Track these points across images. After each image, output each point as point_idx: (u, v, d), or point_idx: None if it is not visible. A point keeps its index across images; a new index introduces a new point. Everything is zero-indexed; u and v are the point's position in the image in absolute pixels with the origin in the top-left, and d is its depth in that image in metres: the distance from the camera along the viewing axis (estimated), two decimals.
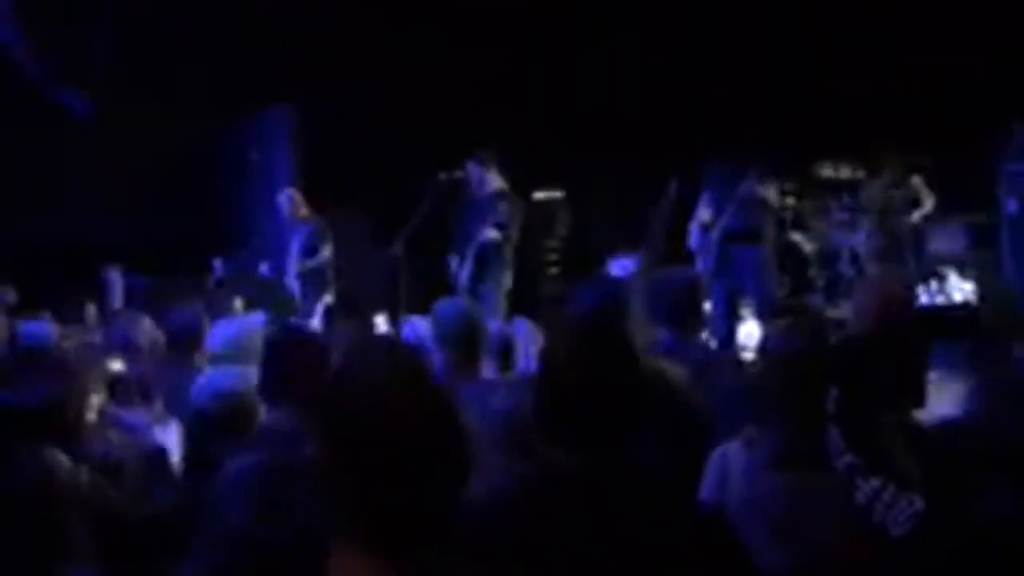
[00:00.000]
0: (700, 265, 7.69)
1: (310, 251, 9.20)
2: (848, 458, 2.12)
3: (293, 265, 9.26)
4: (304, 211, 9.30)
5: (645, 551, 1.98)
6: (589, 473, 2.09)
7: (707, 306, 6.39)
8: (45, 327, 5.02)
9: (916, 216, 9.39)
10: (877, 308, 2.22)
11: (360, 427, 1.57)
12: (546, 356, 2.30)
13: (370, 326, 8.62)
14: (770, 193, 7.70)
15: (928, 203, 9.39)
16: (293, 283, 9.21)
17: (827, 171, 11.09)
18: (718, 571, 2.05)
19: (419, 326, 4.49)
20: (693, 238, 7.97)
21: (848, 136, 10.23)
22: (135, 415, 3.79)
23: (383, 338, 4.19)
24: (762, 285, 7.57)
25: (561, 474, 2.12)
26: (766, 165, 7.66)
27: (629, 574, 1.97)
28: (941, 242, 10.11)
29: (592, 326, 2.49)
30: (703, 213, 7.83)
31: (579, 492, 2.07)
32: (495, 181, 8.23)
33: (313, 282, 9.14)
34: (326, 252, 9.15)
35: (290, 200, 9.35)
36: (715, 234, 7.57)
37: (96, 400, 3.39)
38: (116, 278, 6.84)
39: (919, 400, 2.67)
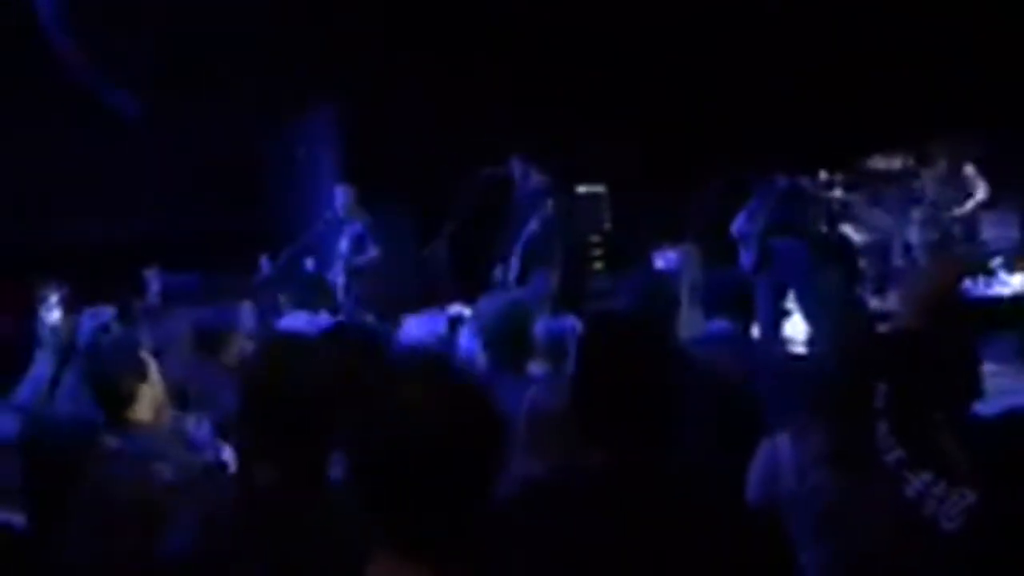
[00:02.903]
0: (744, 257, 7.64)
1: (359, 248, 9.24)
2: (897, 453, 2.08)
3: (340, 262, 9.32)
4: (356, 208, 9.34)
5: (680, 552, 1.95)
6: (625, 472, 2.07)
7: None
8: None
9: (969, 205, 9.24)
10: (925, 301, 2.17)
11: (388, 430, 1.56)
12: (584, 353, 2.27)
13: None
14: (812, 185, 7.64)
15: (981, 192, 9.24)
16: (338, 279, 9.25)
17: (878, 162, 10.95)
18: (756, 572, 2.01)
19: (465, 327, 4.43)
20: (738, 224, 7.91)
21: (899, 126, 10.10)
22: (199, 429, 3.78)
23: (415, 345, 4.12)
24: (805, 280, 7.50)
25: (597, 473, 2.10)
26: (809, 158, 7.60)
27: (664, 574, 1.95)
28: (995, 231, 9.94)
29: (630, 322, 2.46)
30: (753, 202, 7.78)
31: (615, 491, 2.05)
32: (538, 177, 8.22)
33: (359, 279, 9.18)
34: (374, 250, 9.19)
35: (346, 195, 9.39)
36: (756, 227, 7.51)
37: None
38: (154, 277, 6.90)
39: (976, 392, 2.61)
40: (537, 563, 1.98)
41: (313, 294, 8.91)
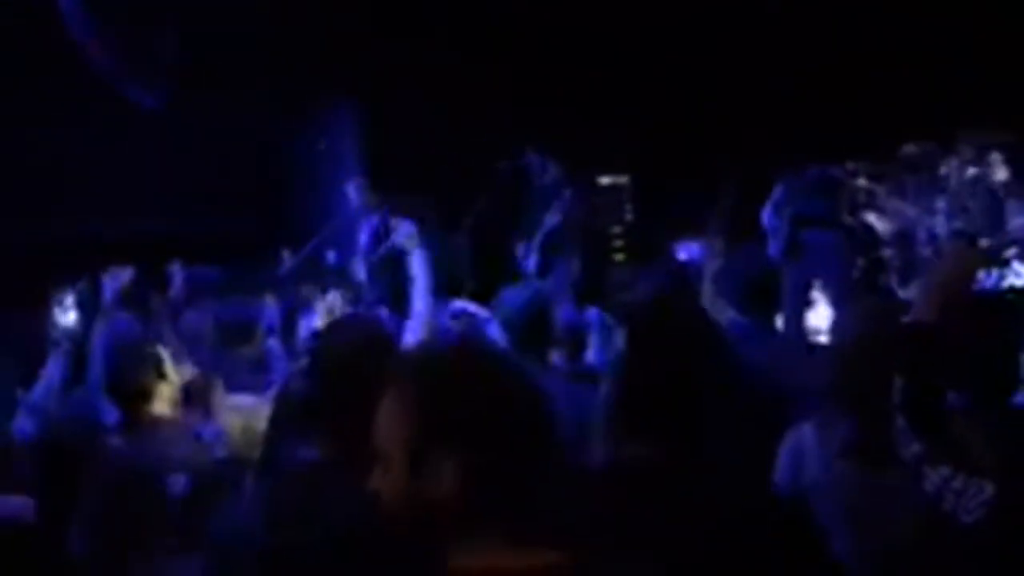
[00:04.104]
0: (771, 247, 7.61)
1: (379, 241, 9.26)
2: (916, 447, 2.06)
3: (361, 254, 9.34)
4: (374, 200, 9.37)
5: (719, 543, 1.95)
6: (666, 464, 2.07)
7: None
8: None
9: (995, 183, 9.12)
10: (940, 294, 2.15)
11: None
12: (631, 346, 2.26)
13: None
14: (841, 174, 7.59)
15: (1001, 172, 9.12)
16: (360, 271, 9.28)
17: (903, 150, 10.85)
18: (791, 562, 2.01)
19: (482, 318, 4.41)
20: (766, 216, 7.88)
21: (926, 114, 10.01)
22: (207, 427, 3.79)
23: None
24: (834, 269, 7.46)
25: (638, 465, 2.09)
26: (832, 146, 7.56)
27: (702, 565, 1.94)
28: (1021, 221, 9.82)
29: (676, 316, 2.45)
30: (778, 192, 7.74)
31: (656, 483, 2.05)
32: (556, 168, 8.21)
33: (380, 271, 9.20)
34: (391, 241, 9.20)
35: (358, 190, 9.42)
36: (786, 217, 7.47)
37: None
38: (177, 271, 6.91)
39: (1014, 383, 2.58)
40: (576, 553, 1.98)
41: (334, 285, 8.93)
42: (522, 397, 1.58)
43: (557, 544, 1.55)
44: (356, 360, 2.32)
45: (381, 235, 9.23)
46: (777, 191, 7.74)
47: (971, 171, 9.27)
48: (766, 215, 7.81)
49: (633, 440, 2.14)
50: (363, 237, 9.35)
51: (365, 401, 1.63)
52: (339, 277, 9.43)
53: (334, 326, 3.57)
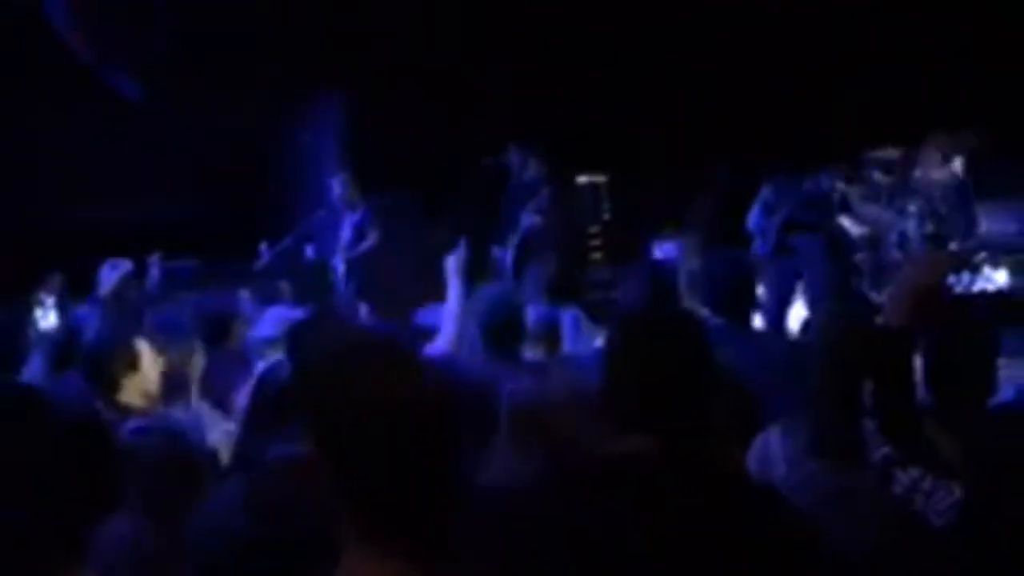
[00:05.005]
0: (758, 246, 7.76)
1: (360, 237, 9.25)
2: (885, 449, 2.09)
3: (342, 250, 9.34)
4: (356, 196, 9.36)
5: (718, 535, 1.97)
6: (659, 456, 2.09)
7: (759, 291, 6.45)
8: None
9: (965, 188, 9.22)
10: (909, 298, 2.18)
11: (342, 419, 1.55)
12: (619, 340, 2.29)
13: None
14: (829, 184, 7.82)
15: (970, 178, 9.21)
16: (340, 267, 9.26)
17: (874, 154, 10.93)
18: (789, 553, 2.04)
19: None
20: (753, 218, 7.97)
21: (898, 120, 10.09)
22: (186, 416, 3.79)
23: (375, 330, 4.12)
24: (817, 271, 7.61)
25: (629, 457, 2.12)
26: (835, 164, 7.75)
27: (701, 558, 1.96)
28: (992, 225, 9.92)
29: (664, 311, 2.46)
30: (767, 194, 7.84)
31: (648, 475, 2.07)
32: (536, 166, 8.23)
33: (360, 268, 9.19)
34: (372, 237, 9.19)
35: (343, 185, 9.40)
36: (776, 221, 7.61)
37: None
38: (156, 263, 6.91)
39: (989, 388, 2.62)
40: (565, 550, 2.00)
41: (313, 280, 8.92)
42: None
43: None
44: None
45: (363, 231, 9.23)
46: (766, 193, 7.84)
47: (942, 175, 9.36)
48: (754, 216, 7.91)
49: (624, 435, 2.17)
50: (345, 233, 9.34)
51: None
52: (317, 273, 9.41)
53: (314, 320, 3.56)
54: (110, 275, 5.01)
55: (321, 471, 1.57)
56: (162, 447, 2.69)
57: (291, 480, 2.11)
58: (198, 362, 4.12)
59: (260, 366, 3.52)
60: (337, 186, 9.40)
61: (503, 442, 2.77)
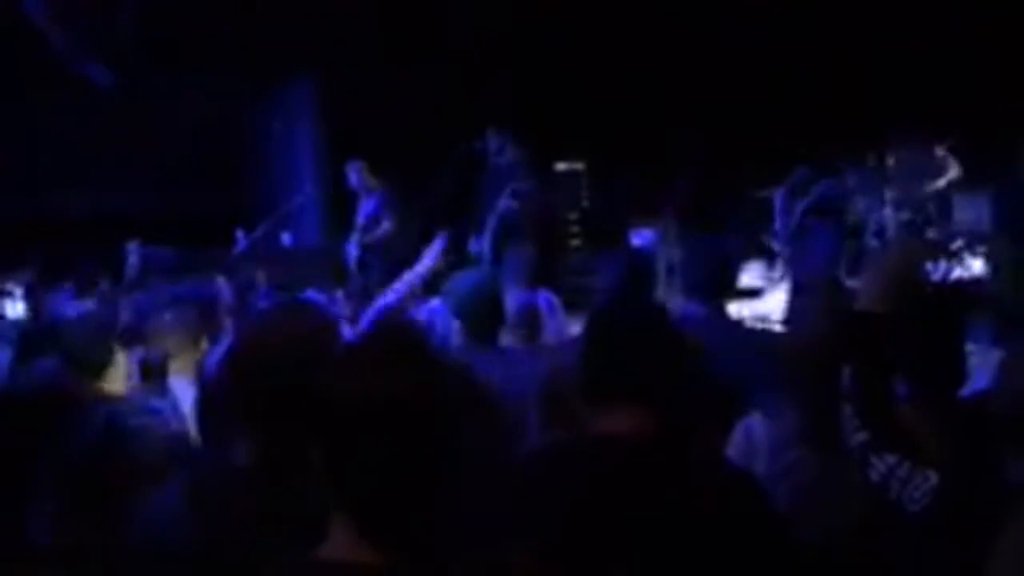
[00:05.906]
0: (777, 225, 8.64)
1: (375, 223, 9.25)
2: (861, 436, 2.10)
3: (357, 235, 9.35)
4: (372, 181, 9.34)
5: (694, 515, 1.99)
6: (638, 438, 2.11)
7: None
8: None
9: (940, 183, 9.29)
10: (885, 284, 2.19)
11: (339, 412, 1.53)
12: (596, 324, 2.30)
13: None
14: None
15: (953, 171, 9.29)
16: (353, 252, 9.27)
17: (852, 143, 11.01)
18: (761, 535, 2.06)
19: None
20: (780, 198, 8.79)
21: (872, 113, 10.13)
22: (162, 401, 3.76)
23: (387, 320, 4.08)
24: (828, 253, 8.14)
25: (608, 439, 2.14)
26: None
27: (678, 538, 1.98)
28: (967, 214, 9.97)
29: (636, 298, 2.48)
30: (797, 178, 8.69)
31: (626, 456, 2.09)
32: (513, 151, 8.22)
33: (374, 253, 9.17)
34: (388, 224, 9.18)
35: (358, 170, 9.38)
36: (799, 206, 8.16)
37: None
38: (135, 251, 6.86)
39: (960, 377, 2.63)
40: (546, 527, 2.03)
41: (298, 267, 8.89)
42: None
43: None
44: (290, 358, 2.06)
45: (378, 217, 9.21)
46: (799, 174, 8.46)
47: (917, 164, 9.44)
48: (780, 196, 8.76)
49: (599, 418, 2.20)
50: (359, 219, 9.34)
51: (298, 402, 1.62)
52: (299, 260, 9.38)
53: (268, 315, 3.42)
54: (134, 257, 4.98)
55: (314, 459, 1.55)
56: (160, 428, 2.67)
57: (231, 483, 2.05)
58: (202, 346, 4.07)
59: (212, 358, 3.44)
60: (353, 171, 9.37)
61: (535, 425, 2.78)
